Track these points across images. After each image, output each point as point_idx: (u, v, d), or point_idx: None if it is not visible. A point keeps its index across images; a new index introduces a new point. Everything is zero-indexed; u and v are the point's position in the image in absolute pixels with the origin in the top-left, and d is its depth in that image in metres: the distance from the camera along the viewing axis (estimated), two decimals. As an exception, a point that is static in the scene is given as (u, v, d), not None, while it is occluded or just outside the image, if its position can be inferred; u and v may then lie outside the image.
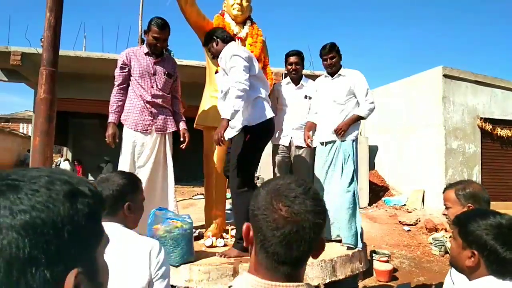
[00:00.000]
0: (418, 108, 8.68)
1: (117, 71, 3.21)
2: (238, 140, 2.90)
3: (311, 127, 3.60)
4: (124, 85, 3.22)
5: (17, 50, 7.85)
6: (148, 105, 3.18)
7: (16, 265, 0.48)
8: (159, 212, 2.69)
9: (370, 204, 8.50)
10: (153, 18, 3.18)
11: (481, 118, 8.51)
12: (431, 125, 8.29)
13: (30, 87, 9.34)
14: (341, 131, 3.38)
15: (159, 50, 3.25)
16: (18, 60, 7.84)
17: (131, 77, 3.21)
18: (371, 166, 9.57)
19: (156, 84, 3.22)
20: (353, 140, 3.46)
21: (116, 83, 3.21)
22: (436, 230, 6.81)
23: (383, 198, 8.87)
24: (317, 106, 3.64)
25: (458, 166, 8.19)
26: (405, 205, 8.34)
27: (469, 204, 1.83)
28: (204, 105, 3.54)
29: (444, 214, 1.97)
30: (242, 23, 3.53)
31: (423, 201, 8.23)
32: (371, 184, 8.97)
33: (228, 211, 3.83)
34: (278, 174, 3.81)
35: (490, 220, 1.34)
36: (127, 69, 3.19)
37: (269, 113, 2.96)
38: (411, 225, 7.20)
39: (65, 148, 16.42)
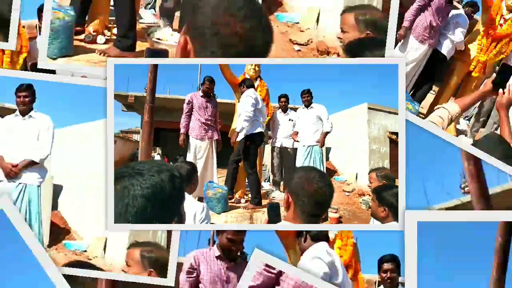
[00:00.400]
0: (352, 127, 8.59)
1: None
2: (241, 143, 3.02)
3: (296, 133, 3.68)
4: (188, 114, 3.27)
5: (132, 94, 7.93)
6: (203, 125, 3.26)
7: (145, 220, 0.51)
8: (209, 184, 2.80)
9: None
10: (206, 76, 3.28)
11: (390, 132, 8.39)
12: (360, 136, 8.20)
13: (139, 114, 9.43)
14: (322, 143, 3.49)
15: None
16: (132, 100, 7.87)
17: (192, 116, 3.26)
18: (327, 158, 9.53)
19: (207, 113, 3.30)
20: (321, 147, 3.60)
21: (184, 112, 3.27)
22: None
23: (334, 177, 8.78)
24: (299, 125, 3.73)
25: (376, 160, 8.10)
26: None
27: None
28: (233, 125, 3.59)
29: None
30: (255, 79, 3.59)
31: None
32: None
33: (247, 183, 3.85)
34: (275, 165, 3.87)
35: (394, 190, 1.33)
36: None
37: (258, 129, 3.08)
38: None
39: (157, 148, 16.66)
